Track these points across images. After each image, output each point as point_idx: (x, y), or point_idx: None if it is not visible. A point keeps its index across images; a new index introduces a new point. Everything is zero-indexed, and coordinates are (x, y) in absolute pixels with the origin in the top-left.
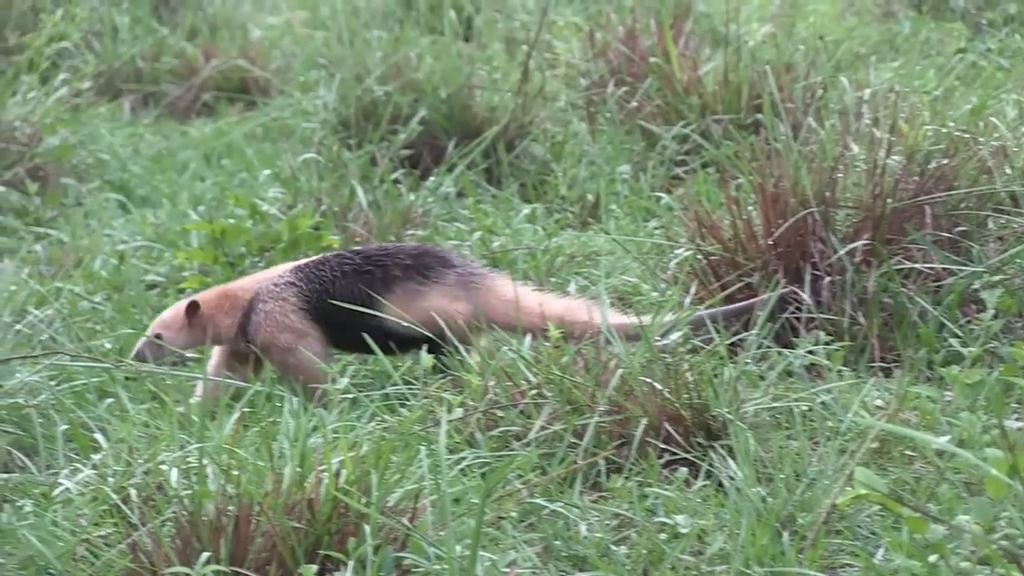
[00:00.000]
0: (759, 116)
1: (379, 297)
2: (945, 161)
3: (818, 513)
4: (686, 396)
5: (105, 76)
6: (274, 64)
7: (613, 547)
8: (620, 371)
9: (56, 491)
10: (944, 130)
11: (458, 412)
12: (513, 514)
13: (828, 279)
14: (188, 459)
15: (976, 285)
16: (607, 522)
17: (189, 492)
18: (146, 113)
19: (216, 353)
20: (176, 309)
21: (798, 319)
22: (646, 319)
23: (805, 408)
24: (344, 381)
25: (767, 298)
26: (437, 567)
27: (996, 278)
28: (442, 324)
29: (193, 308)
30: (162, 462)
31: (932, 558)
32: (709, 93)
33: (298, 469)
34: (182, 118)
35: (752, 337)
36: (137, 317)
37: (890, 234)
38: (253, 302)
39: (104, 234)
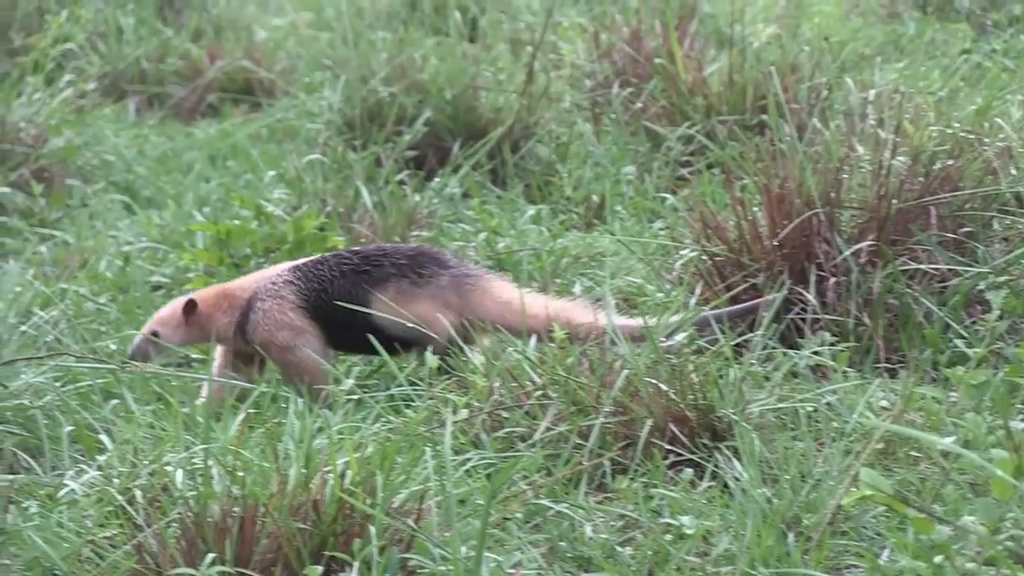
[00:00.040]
0: (764, 117)
1: (374, 296)
2: (950, 162)
3: (823, 514)
4: (691, 397)
5: (110, 77)
6: (279, 65)
7: (618, 548)
8: (625, 372)
9: (61, 492)
10: (949, 131)
11: (463, 413)
12: (518, 515)
13: (833, 280)
14: (193, 460)
15: (981, 286)
16: (612, 523)
17: (194, 493)
18: (151, 114)
19: (220, 354)
20: (173, 306)
21: (803, 320)
22: (648, 319)
23: (810, 409)
24: (349, 382)
25: (772, 299)
26: (442, 568)
27: (1001, 279)
28: (426, 331)
29: (191, 306)
30: (167, 463)
31: (937, 559)
32: (714, 94)
33: (303, 470)
34: (187, 119)
35: (757, 338)
36: (142, 318)
37: (895, 235)
38: (251, 301)
39: (109, 235)
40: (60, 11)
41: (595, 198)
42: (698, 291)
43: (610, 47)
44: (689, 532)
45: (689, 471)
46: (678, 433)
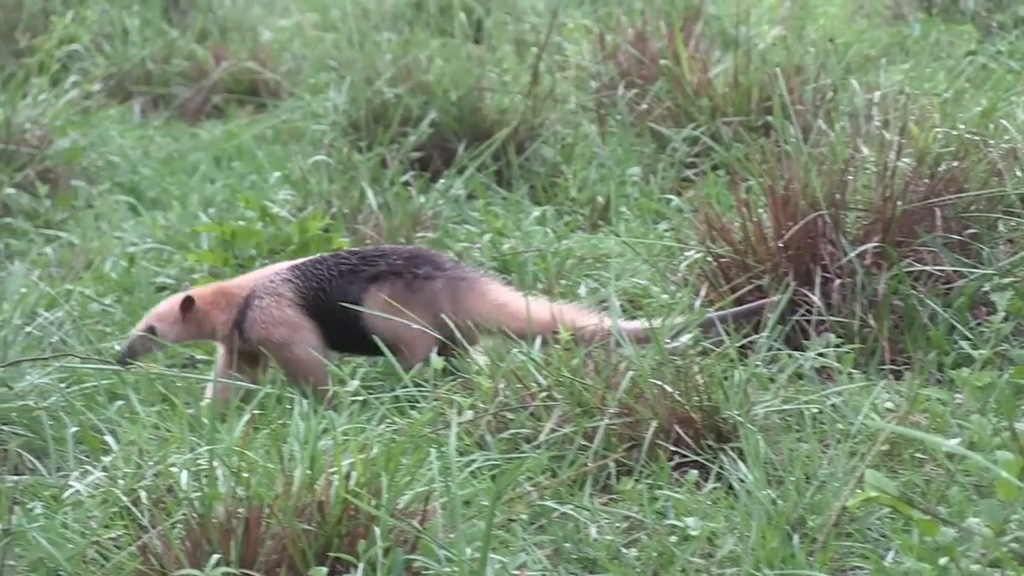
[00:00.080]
0: (769, 118)
1: (368, 296)
2: (955, 163)
3: (828, 516)
4: (696, 398)
5: (115, 78)
6: (284, 66)
7: (623, 550)
8: (630, 373)
9: (66, 493)
10: (954, 132)
11: (468, 414)
12: (523, 516)
13: (838, 281)
14: (198, 461)
15: (986, 287)
16: (617, 525)
17: (199, 494)
18: (156, 115)
19: (222, 355)
20: (171, 303)
21: (808, 321)
22: (653, 321)
23: (815, 410)
24: (354, 383)
25: (777, 300)
26: (447, 570)
27: (1006, 280)
28: (404, 347)
29: (188, 303)
30: (172, 464)
31: (942, 561)
32: (719, 95)
33: (308, 471)
34: (192, 120)
35: (762, 339)
36: None
37: (900, 236)
38: (249, 299)
39: (114, 236)
40: (65, 12)
41: (600, 199)
42: (703, 292)
43: (615, 48)
44: (694, 533)
45: (694, 472)
46: (683, 434)
